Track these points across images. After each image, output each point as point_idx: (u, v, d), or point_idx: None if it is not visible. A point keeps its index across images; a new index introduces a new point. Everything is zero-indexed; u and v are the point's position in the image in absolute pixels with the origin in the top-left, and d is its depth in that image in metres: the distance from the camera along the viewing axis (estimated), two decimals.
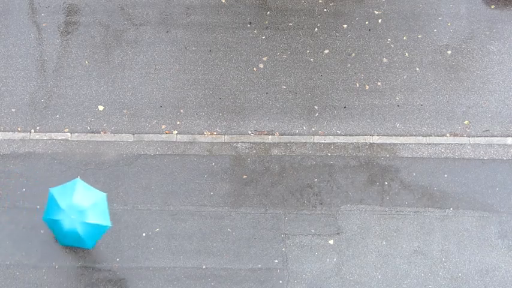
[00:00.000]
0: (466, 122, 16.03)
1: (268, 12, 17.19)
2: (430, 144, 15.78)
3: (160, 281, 14.44)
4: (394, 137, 15.86)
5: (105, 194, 13.71)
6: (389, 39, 16.87)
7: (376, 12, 17.19)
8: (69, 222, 13.28)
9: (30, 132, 15.77)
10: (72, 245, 13.71)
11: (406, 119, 16.04)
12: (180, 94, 16.22)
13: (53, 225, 13.50)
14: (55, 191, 13.54)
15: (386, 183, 15.35)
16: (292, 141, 15.78)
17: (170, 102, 16.14)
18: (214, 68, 16.51)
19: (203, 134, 15.84)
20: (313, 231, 14.89)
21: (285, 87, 16.35)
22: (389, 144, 15.78)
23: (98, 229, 13.52)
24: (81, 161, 15.46)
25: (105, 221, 13.57)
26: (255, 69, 16.54)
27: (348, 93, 16.27)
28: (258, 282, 14.46)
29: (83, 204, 13.35)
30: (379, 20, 17.10)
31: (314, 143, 15.76)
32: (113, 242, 14.74)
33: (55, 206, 13.42)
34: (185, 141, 15.75)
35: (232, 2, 17.30)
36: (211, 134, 15.84)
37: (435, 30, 16.97)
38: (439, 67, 16.58)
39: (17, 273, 14.46)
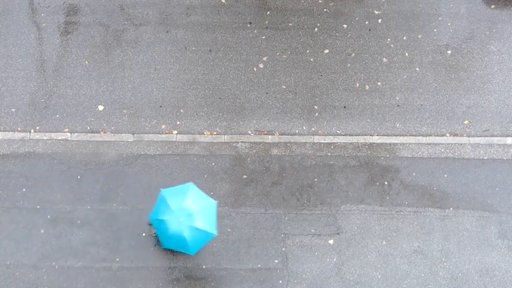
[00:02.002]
0: (466, 122, 16.03)
1: (268, 12, 17.20)
2: (430, 144, 15.78)
3: (160, 281, 14.44)
4: (394, 137, 15.86)
5: (215, 201, 13.51)
6: (389, 39, 16.87)
7: (376, 12, 17.19)
8: (176, 224, 13.05)
9: (30, 132, 15.77)
10: (175, 249, 13.40)
11: (406, 119, 16.04)
12: (180, 94, 16.23)
13: (159, 226, 13.23)
14: (166, 192, 13.35)
15: (386, 183, 15.35)
16: (292, 141, 15.78)
17: (170, 102, 16.14)
18: (214, 68, 16.51)
19: (203, 134, 15.84)
20: (313, 231, 14.89)
21: (285, 87, 16.35)
22: (389, 144, 15.79)
23: (204, 236, 13.24)
24: (81, 161, 15.46)
25: (212, 228, 13.28)
26: (255, 69, 16.54)
27: (348, 93, 16.27)
28: (258, 282, 14.46)
29: (193, 208, 13.11)
30: (379, 20, 17.10)
31: (314, 143, 15.76)
32: (112, 242, 14.74)
33: (165, 207, 13.19)
34: (185, 141, 15.75)
35: (232, 2, 17.30)
36: (211, 134, 15.84)
37: (435, 30, 16.97)
38: (439, 67, 16.58)
39: (17, 273, 14.46)
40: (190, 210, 13.14)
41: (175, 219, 13.09)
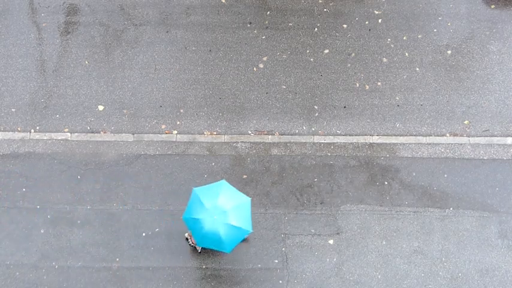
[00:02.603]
0: (466, 122, 16.03)
1: (268, 12, 17.20)
2: (430, 144, 15.78)
3: (160, 281, 14.44)
4: (394, 137, 15.86)
5: (249, 198, 13.40)
6: (389, 39, 16.87)
7: (376, 12, 17.19)
8: (211, 222, 12.91)
9: (30, 132, 15.77)
10: (210, 247, 13.25)
11: (406, 119, 16.04)
12: (180, 94, 16.23)
13: (193, 225, 13.11)
14: (199, 190, 13.24)
15: (386, 183, 15.35)
16: (292, 141, 15.78)
17: (170, 102, 16.14)
18: (214, 68, 16.51)
19: (203, 134, 15.84)
20: (313, 231, 14.89)
21: (285, 87, 16.35)
22: (389, 144, 15.79)
23: (239, 233, 13.10)
24: (81, 161, 15.47)
25: (247, 225, 13.15)
26: (255, 69, 16.54)
27: (348, 93, 16.27)
28: (258, 282, 14.46)
29: (227, 206, 12.99)
30: (379, 20, 17.10)
31: (314, 143, 15.76)
32: (112, 242, 14.74)
33: (198, 205, 13.07)
34: (185, 141, 15.75)
35: (232, 2, 17.30)
36: (211, 134, 15.84)
37: (435, 30, 16.97)
38: (439, 67, 16.58)
39: (17, 273, 14.46)
40: (224, 208, 12.97)
41: (210, 217, 12.92)
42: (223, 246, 13.11)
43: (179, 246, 14.71)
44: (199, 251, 14.56)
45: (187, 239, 14.62)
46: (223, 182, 13.37)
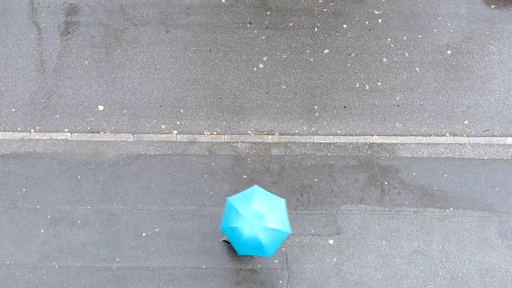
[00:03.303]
0: (466, 122, 16.03)
1: (268, 12, 17.19)
2: (430, 144, 15.78)
3: (160, 281, 14.44)
4: (394, 137, 15.86)
5: (283, 199, 13.33)
6: (389, 39, 16.87)
7: (376, 12, 17.19)
8: (249, 228, 12.85)
9: (30, 132, 15.77)
10: (251, 254, 13.18)
11: (406, 119, 16.04)
12: (180, 94, 16.23)
13: (232, 234, 13.05)
14: (233, 199, 13.21)
15: (386, 183, 15.35)
16: (292, 141, 15.78)
17: (170, 102, 16.14)
18: (214, 68, 16.51)
19: (203, 134, 15.84)
20: (313, 231, 14.89)
21: (285, 87, 16.35)
22: (389, 144, 15.78)
23: (278, 235, 13.03)
24: (81, 161, 15.47)
25: (285, 226, 13.09)
26: (255, 69, 16.54)
27: (348, 93, 16.27)
28: (258, 282, 14.45)
29: (263, 210, 12.93)
30: (379, 20, 17.10)
31: (314, 143, 15.76)
32: (112, 242, 14.74)
33: (234, 214, 13.02)
34: (185, 141, 15.75)
35: (232, 2, 17.30)
36: (211, 134, 15.84)
37: (435, 30, 16.97)
38: (439, 67, 16.58)
39: (17, 273, 14.46)
40: (260, 212, 12.91)
41: (247, 224, 12.86)
42: (264, 251, 13.01)
43: (179, 246, 14.71)
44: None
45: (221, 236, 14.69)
46: (256, 187, 13.32)
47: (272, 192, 15.21)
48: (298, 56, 16.67)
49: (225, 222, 13.17)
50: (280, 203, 13.18)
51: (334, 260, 14.67)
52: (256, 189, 13.23)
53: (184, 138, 15.79)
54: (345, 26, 17.04)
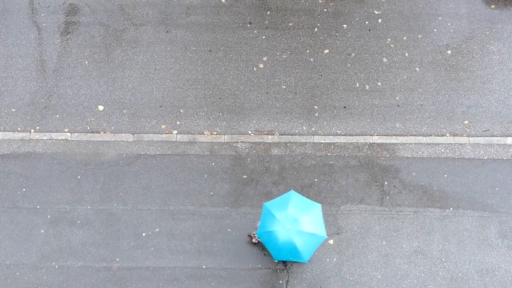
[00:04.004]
0: (466, 122, 16.03)
1: (268, 12, 17.19)
2: (430, 144, 15.78)
3: (160, 281, 14.44)
4: (394, 137, 15.86)
5: (319, 204, 13.28)
6: (389, 39, 16.87)
7: (376, 12, 17.19)
8: (284, 232, 12.80)
9: (30, 132, 15.78)
10: (288, 259, 13.11)
11: (406, 119, 16.04)
12: (180, 94, 16.23)
13: (268, 238, 13.01)
14: (270, 204, 13.17)
15: (386, 183, 15.35)
16: (292, 141, 15.78)
17: (170, 102, 16.14)
18: (214, 68, 16.51)
19: (203, 134, 15.84)
20: None
21: (285, 87, 16.35)
22: (389, 144, 15.79)
23: (314, 239, 12.97)
24: (81, 161, 15.47)
25: (320, 231, 13.05)
26: (255, 69, 16.54)
27: (348, 93, 16.27)
28: (258, 282, 14.46)
29: (298, 214, 12.88)
30: (379, 20, 17.10)
31: (314, 143, 15.76)
32: (112, 242, 14.74)
33: (270, 219, 12.98)
34: (185, 141, 15.75)
35: (232, 2, 17.30)
36: (211, 134, 15.84)
37: (435, 30, 16.97)
38: (439, 67, 16.58)
39: (17, 273, 14.46)
40: (295, 216, 12.86)
41: (283, 227, 12.81)
42: (300, 256, 12.95)
43: (179, 246, 14.71)
44: (255, 241, 14.59)
45: (250, 236, 14.65)
46: (292, 192, 13.29)
47: (272, 192, 15.21)
48: (298, 56, 16.67)
49: (262, 227, 13.11)
50: (316, 207, 13.11)
51: (334, 260, 14.67)
52: (292, 194, 13.18)
53: (184, 138, 15.79)
54: (345, 26, 17.04)
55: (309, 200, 13.27)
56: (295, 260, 13.12)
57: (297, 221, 12.82)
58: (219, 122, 15.94)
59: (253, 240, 14.62)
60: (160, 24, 16.99)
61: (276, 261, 14.37)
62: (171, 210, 15.01)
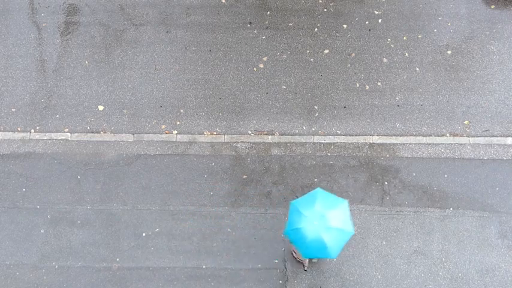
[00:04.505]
0: (466, 122, 16.03)
1: (268, 12, 17.19)
2: (430, 144, 15.78)
3: (160, 281, 14.44)
4: (394, 137, 15.86)
5: (346, 200, 13.21)
6: (389, 39, 16.87)
7: (376, 12, 17.19)
8: (312, 229, 12.72)
9: (30, 132, 15.78)
10: (316, 257, 12.99)
11: (406, 119, 16.04)
12: (180, 94, 16.23)
13: (296, 236, 12.93)
14: (296, 202, 13.12)
15: (386, 183, 15.35)
16: (292, 141, 15.78)
17: (170, 102, 16.14)
18: (214, 68, 16.51)
19: (203, 134, 15.84)
20: None
21: (285, 87, 16.35)
22: (389, 144, 15.79)
23: (341, 235, 12.87)
24: (81, 161, 15.47)
25: (348, 226, 12.95)
26: (255, 69, 16.54)
27: (348, 93, 16.27)
28: (258, 282, 14.46)
29: (325, 210, 12.82)
30: (379, 20, 17.10)
31: (314, 143, 15.76)
32: (112, 242, 14.74)
33: (297, 216, 12.93)
34: (185, 141, 15.75)
35: (232, 2, 17.30)
36: (211, 134, 15.84)
37: (435, 30, 16.97)
38: (439, 67, 16.58)
39: (17, 273, 14.46)
40: (322, 212, 12.80)
41: (310, 224, 12.74)
42: (328, 252, 12.85)
43: (179, 246, 14.71)
44: (305, 268, 14.49)
45: (292, 252, 14.61)
46: (318, 189, 13.24)
47: (272, 192, 15.21)
48: (298, 56, 16.67)
49: (289, 225, 13.04)
50: (343, 203, 13.06)
51: (334, 260, 14.67)
52: (318, 191, 13.14)
53: (184, 138, 15.79)
54: (345, 26, 17.04)
55: (335, 196, 13.21)
56: (323, 257, 13.01)
57: (324, 217, 12.75)
58: (219, 122, 15.95)
59: (295, 256, 14.54)
60: (160, 24, 16.99)
61: (276, 261, 14.36)
62: (171, 210, 15.02)
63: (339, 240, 12.85)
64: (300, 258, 14.36)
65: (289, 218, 13.12)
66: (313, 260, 14.60)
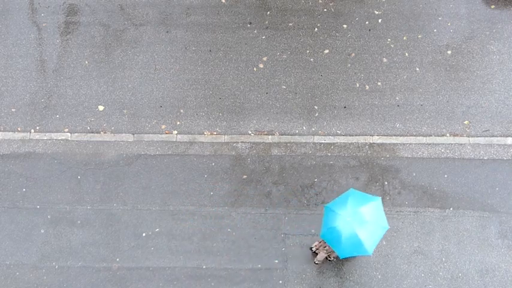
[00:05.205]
0: (466, 122, 16.03)
1: (268, 12, 17.19)
2: (430, 144, 15.78)
3: (160, 281, 14.44)
4: (394, 137, 15.86)
5: (379, 197, 13.17)
6: (389, 39, 16.87)
7: (376, 12, 17.19)
8: (346, 225, 12.71)
9: (30, 132, 15.77)
10: (352, 255, 12.92)
11: (406, 119, 16.04)
12: (180, 94, 16.22)
13: (331, 236, 12.89)
14: (330, 204, 13.13)
15: (386, 183, 15.35)
16: (292, 141, 15.78)
17: (170, 102, 16.14)
18: (214, 68, 16.51)
19: (203, 134, 15.84)
20: (313, 231, 14.89)
21: (285, 87, 16.35)
22: (390, 144, 15.78)
23: (376, 230, 12.82)
24: (81, 161, 15.46)
25: (382, 222, 12.91)
26: (255, 69, 16.54)
27: (348, 93, 16.27)
28: (258, 282, 14.45)
29: (357, 206, 12.83)
30: (379, 20, 17.10)
31: (314, 143, 15.76)
32: (112, 242, 14.74)
33: (331, 215, 12.92)
34: (185, 141, 15.75)
35: (232, 2, 17.30)
36: (211, 134, 15.84)
37: (435, 30, 16.97)
38: (439, 67, 16.58)
39: (17, 273, 14.46)
40: (355, 209, 12.80)
41: (344, 221, 12.73)
42: (364, 248, 12.79)
43: (179, 246, 14.71)
44: (316, 262, 14.54)
45: (311, 248, 14.62)
46: (351, 189, 13.27)
47: (272, 192, 15.21)
48: (298, 56, 16.67)
49: (324, 226, 13.03)
50: (376, 200, 13.03)
51: (334, 260, 14.67)
52: (351, 191, 13.17)
53: (185, 138, 15.79)
54: (345, 26, 17.04)
55: (368, 194, 13.20)
56: (359, 255, 12.98)
57: (357, 213, 12.73)
58: (219, 122, 15.94)
59: (313, 249, 14.56)
60: (160, 24, 16.99)
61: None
62: (171, 210, 15.01)
63: (374, 235, 12.80)
64: (318, 248, 14.37)
65: (323, 220, 13.09)
66: (330, 258, 14.60)
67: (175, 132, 15.86)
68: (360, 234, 12.68)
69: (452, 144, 15.78)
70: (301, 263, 14.60)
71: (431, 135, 15.89)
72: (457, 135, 15.89)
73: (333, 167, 15.51)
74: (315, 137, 15.82)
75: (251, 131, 15.89)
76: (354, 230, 12.66)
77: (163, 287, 14.40)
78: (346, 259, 14.67)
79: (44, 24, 16.93)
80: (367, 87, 16.36)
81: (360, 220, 12.71)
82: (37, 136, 15.74)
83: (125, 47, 16.70)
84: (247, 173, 15.42)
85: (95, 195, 15.12)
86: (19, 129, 15.83)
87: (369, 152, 15.69)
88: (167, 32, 16.92)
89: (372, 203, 12.91)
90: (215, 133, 15.84)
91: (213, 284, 14.42)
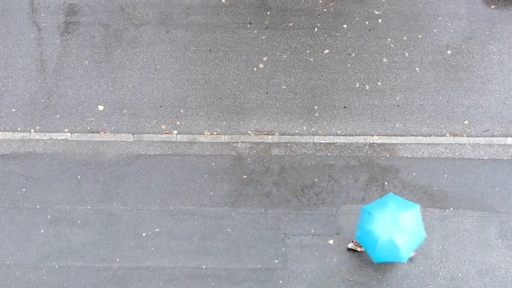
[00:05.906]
0: (466, 122, 16.03)
1: (268, 12, 17.19)
2: (430, 144, 15.78)
3: (160, 281, 14.44)
4: (394, 137, 15.86)
5: (418, 205, 13.19)
6: (389, 39, 16.87)
7: (376, 12, 17.19)
8: (384, 231, 12.73)
9: (30, 132, 15.78)
10: (387, 260, 12.95)
11: (406, 119, 16.04)
12: (180, 94, 16.23)
13: (367, 239, 12.92)
14: (368, 207, 13.17)
15: (386, 183, 15.35)
16: (292, 141, 15.78)
17: (170, 102, 16.14)
18: (214, 68, 16.51)
19: (203, 134, 15.84)
20: (313, 231, 14.89)
21: (285, 87, 16.35)
22: (390, 144, 15.79)
23: (413, 238, 12.86)
24: (81, 161, 15.47)
25: (420, 229, 12.95)
26: (255, 69, 16.54)
27: (348, 93, 16.27)
28: (258, 282, 14.46)
29: (397, 213, 12.83)
30: (379, 20, 17.11)
31: (314, 143, 15.76)
32: (112, 242, 14.74)
33: (369, 218, 12.94)
34: (185, 141, 15.75)
35: (232, 2, 17.30)
36: (211, 134, 15.84)
37: (435, 30, 16.97)
38: (439, 67, 16.58)
39: (17, 273, 14.46)
40: (395, 215, 12.80)
41: (381, 225, 12.74)
42: (400, 255, 12.79)
43: (179, 246, 14.71)
44: (359, 250, 14.59)
45: (349, 249, 14.66)
46: (391, 194, 13.29)
47: (272, 192, 15.22)
48: (298, 56, 16.67)
49: (360, 228, 13.03)
50: (415, 207, 13.05)
51: (334, 260, 14.67)
52: (390, 196, 13.18)
53: (184, 138, 15.79)
54: (345, 26, 17.04)
55: (407, 201, 13.18)
56: (394, 261, 12.93)
57: (396, 220, 12.72)
58: (219, 122, 15.95)
59: (352, 246, 14.56)
60: (160, 24, 16.99)
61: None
62: (171, 210, 15.02)
63: (411, 242, 12.80)
64: (356, 245, 14.41)
65: (360, 221, 13.09)
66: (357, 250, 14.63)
67: (175, 132, 15.86)
68: (398, 241, 12.67)
69: (452, 144, 15.79)
70: (301, 263, 14.60)
71: (431, 135, 15.89)
72: (457, 135, 15.89)
73: (333, 167, 15.51)
74: (315, 137, 15.82)
75: (251, 131, 15.89)
76: (391, 237, 12.67)
77: (163, 287, 14.40)
78: (347, 260, 14.67)
79: (44, 24, 16.93)
80: (367, 87, 16.36)
81: (399, 227, 12.69)
82: (37, 136, 15.74)
83: (125, 47, 16.70)
84: (247, 173, 15.42)
85: (95, 195, 15.12)
86: (19, 129, 15.84)
87: (369, 152, 15.70)
88: (167, 32, 16.93)
89: (411, 211, 12.91)
90: (215, 133, 15.84)
91: (213, 284, 14.43)
